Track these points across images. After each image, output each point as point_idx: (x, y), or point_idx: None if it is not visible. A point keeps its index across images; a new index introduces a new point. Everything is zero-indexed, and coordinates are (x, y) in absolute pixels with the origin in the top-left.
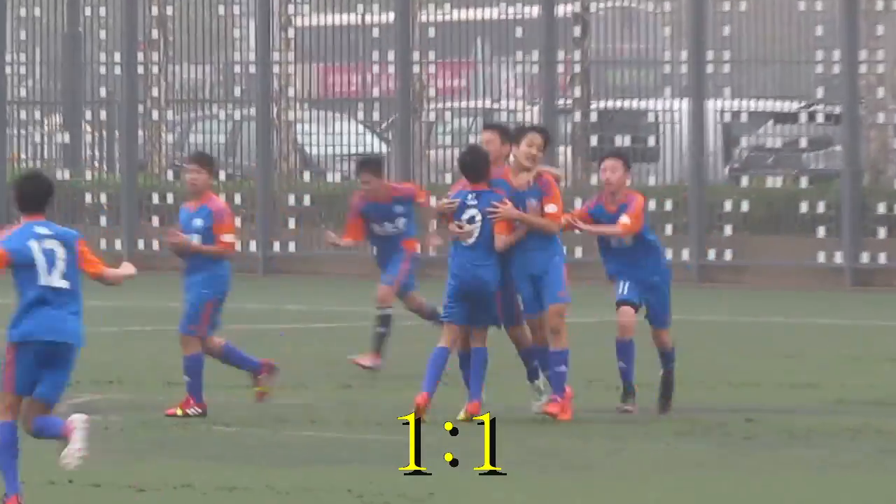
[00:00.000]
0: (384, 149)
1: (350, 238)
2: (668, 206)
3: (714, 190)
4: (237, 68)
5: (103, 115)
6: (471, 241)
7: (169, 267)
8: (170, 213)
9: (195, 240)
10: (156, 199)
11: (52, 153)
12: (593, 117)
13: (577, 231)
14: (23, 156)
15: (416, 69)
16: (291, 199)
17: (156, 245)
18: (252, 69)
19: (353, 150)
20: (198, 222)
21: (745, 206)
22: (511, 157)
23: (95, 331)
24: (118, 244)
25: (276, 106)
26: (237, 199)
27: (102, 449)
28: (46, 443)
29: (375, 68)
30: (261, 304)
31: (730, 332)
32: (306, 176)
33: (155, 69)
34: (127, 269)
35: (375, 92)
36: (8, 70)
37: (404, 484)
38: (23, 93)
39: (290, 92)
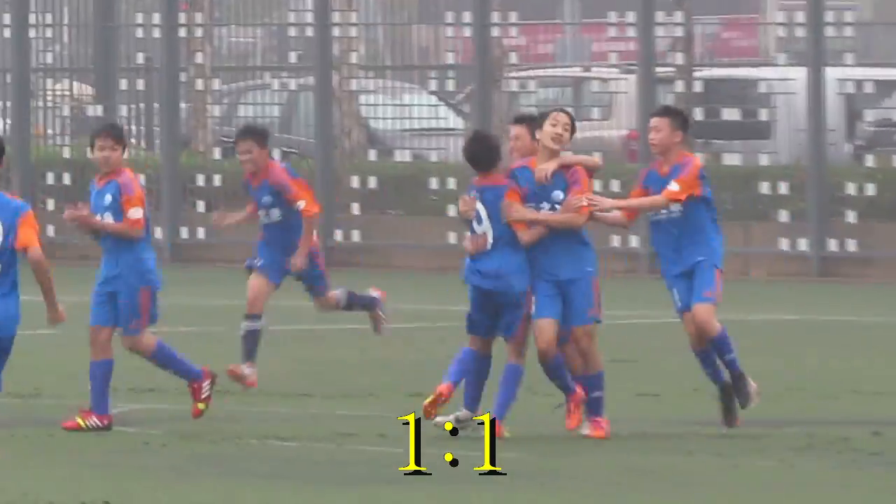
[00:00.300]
0: (459, 123)
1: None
2: (783, 189)
3: (835, 171)
4: (292, 31)
5: (140, 84)
6: (488, 248)
7: (219, 259)
8: (217, 196)
9: (107, 219)
10: (201, 180)
11: (82, 128)
12: (697, 87)
13: (608, 215)
14: (49, 131)
15: (495, 32)
16: (355, 181)
17: (201, 233)
18: (309, 32)
19: (424, 125)
20: (107, 199)
21: (870, 190)
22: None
23: None
24: (158, 232)
25: (337, 74)
26: None
27: (140, 466)
28: (77, 462)
29: (449, 31)
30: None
31: (854, 333)
32: (371, 154)
33: (199, 32)
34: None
35: (450, 58)
36: (32, 33)
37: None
38: (49, 59)
39: (353, 58)
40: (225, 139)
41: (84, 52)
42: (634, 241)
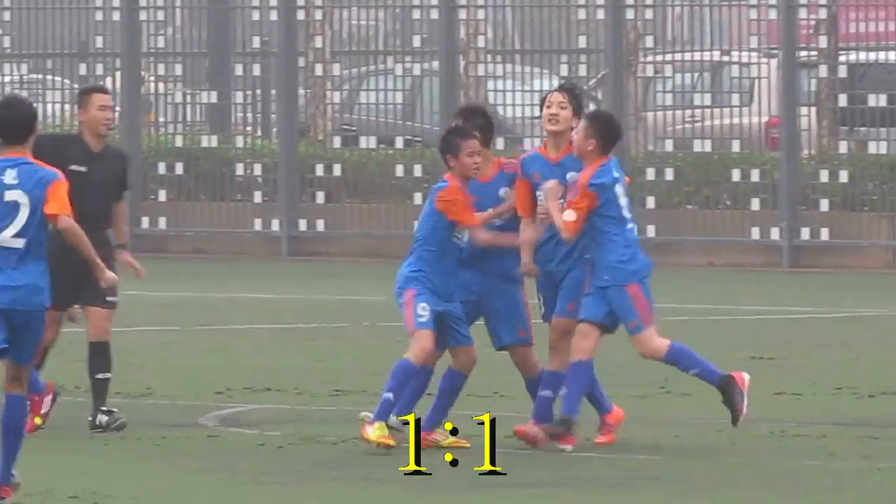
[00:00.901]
0: (591, 108)
1: None
2: None
3: None
4: (416, 13)
5: (256, 69)
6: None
7: (338, 253)
8: (337, 187)
9: None
10: (320, 170)
11: (195, 115)
12: (841, 72)
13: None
14: (161, 118)
15: (629, 14)
16: None
17: (320, 225)
18: (434, 15)
19: None
20: None
21: None
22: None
23: (249, 329)
24: (275, 224)
25: (464, 59)
26: (417, 170)
27: (256, 471)
28: (190, 466)
29: (581, 14)
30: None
31: None
32: (500, 142)
33: (318, 14)
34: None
35: (581, 42)
36: (143, 16)
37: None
38: (160, 43)
39: (480, 42)
40: (346, 127)
41: (197, 36)
42: (775, 234)
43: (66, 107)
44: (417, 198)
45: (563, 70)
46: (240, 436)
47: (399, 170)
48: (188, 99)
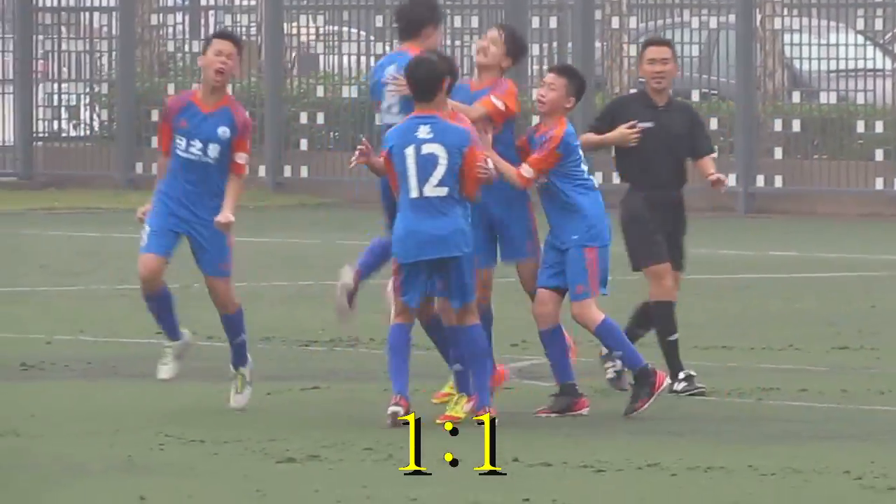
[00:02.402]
0: (888, 63)
1: None
2: None
3: None
4: None
5: (553, 22)
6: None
7: None
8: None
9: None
10: None
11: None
12: None
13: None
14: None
15: None
16: (777, 124)
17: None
18: None
19: (850, 66)
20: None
21: None
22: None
23: None
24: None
25: (760, 12)
26: (713, 123)
27: (546, 423)
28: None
29: None
30: (741, 249)
31: None
32: (795, 96)
33: None
34: None
35: None
36: None
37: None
38: None
39: None
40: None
41: None
42: None
43: (363, 59)
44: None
45: (860, 24)
46: (534, 388)
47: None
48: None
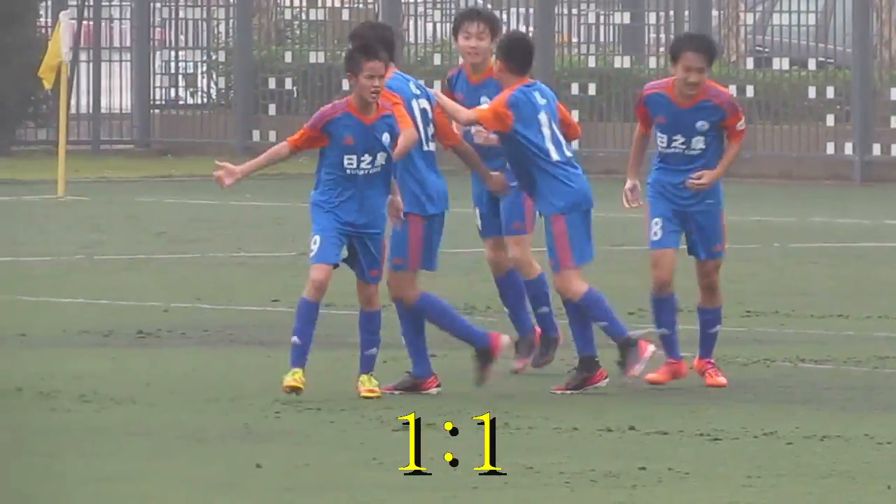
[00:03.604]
0: None
1: None
2: None
3: None
4: None
5: None
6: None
7: (746, 173)
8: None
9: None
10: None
11: (608, 36)
12: None
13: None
14: (574, 39)
15: None
16: (894, 93)
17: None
18: None
19: None
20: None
21: None
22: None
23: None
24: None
25: None
26: (829, 91)
27: (663, 393)
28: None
29: None
30: (858, 218)
31: None
32: None
33: None
34: None
35: None
36: None
37: None
38: None
39: None
40: (759, 48)
41: None
42: None
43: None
44: (829, 119)
45: None
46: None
47: (811, 91)
48: (601, 20)
